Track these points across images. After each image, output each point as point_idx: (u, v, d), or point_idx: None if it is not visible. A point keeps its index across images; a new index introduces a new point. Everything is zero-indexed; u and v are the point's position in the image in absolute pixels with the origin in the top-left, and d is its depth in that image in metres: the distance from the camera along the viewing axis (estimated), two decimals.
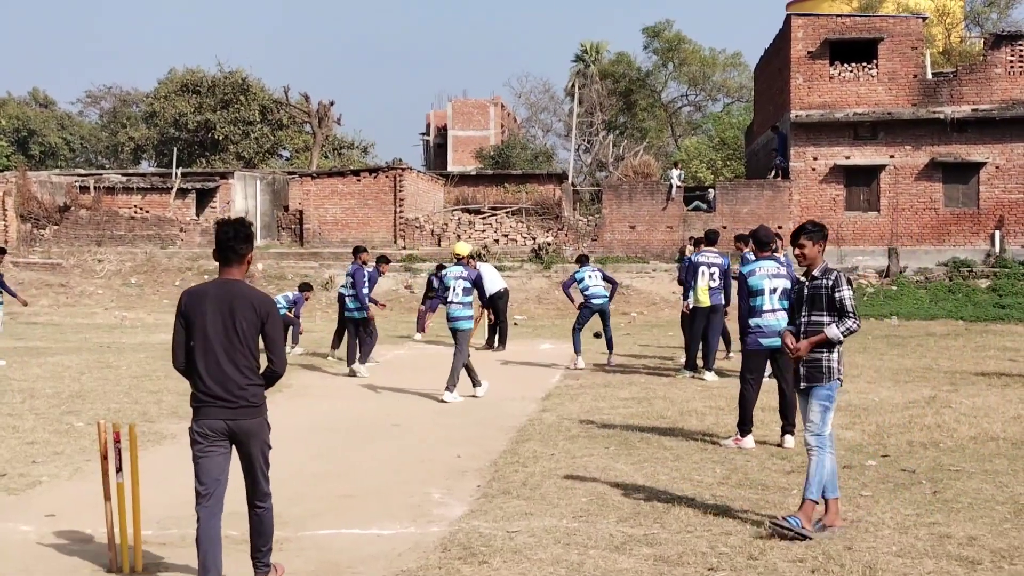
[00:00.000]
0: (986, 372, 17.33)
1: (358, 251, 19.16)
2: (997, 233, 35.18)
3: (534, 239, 37.93)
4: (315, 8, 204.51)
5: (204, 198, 41.20)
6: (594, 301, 18.78)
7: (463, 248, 16.18)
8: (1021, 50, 35.25)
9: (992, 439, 11.43)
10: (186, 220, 39.95)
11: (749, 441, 11.10)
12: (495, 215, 40.24)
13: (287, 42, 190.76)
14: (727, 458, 10.41)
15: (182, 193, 40.67)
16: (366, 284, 18.29)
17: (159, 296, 33.80)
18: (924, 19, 37.79)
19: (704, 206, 38.19)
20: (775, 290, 11.32)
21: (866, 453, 10.70)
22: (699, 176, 54.40)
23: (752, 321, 11.34)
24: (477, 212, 41.28)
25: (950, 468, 9.94)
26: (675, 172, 39.24)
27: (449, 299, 14.94)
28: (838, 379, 7.97)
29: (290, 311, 20.76)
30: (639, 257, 36.35)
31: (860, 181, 36.30)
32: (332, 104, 58.63)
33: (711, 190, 39.04)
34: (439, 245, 38.47)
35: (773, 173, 37.59)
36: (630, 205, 37.53)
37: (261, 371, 6.62)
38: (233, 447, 6.55)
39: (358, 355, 17.94)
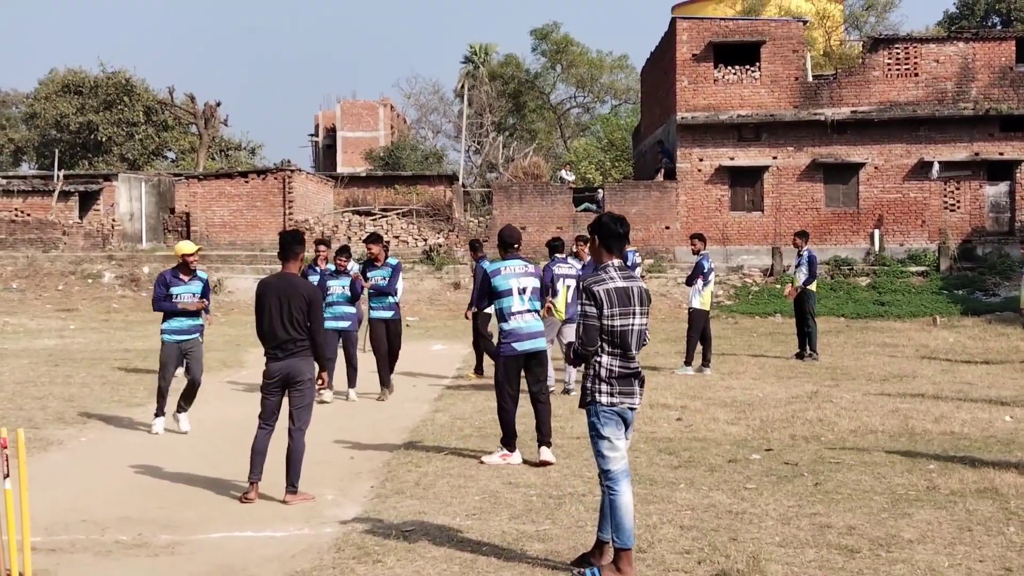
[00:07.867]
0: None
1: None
2: (876, 232, 36.10)
3: (425, 240, 37.93)
4: (200, 7, 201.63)
5: (87, 201, 40.43)
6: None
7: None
8: (898, 53, 36.21)
9: (871, 432, 11.80)
10: (69, 223, 39.12)
11: (516, 457, 10.33)
12: (386, 216, 40.22)
13: (171, 42, 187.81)
14: None
15: (64, 196, 39.84)
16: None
17: (42, 301, 33.05)
18: (805, 23, 38.63)
19: (593, 207, 38.55)
20: (524, 290, 10.48)
21: (750, 447, 10.97)
22: (588, 177, 54.90)
23: (503, 326, 10.48)
24: (368, 213, 41.21)
25: (831, 461, 10.25)
26: (563, 173, 39.59)
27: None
28: (596, 402, 6.83)
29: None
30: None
31: (744, 182, 36.96)
32: (219, 105, 58.08)
33: (600, 191, 39.44)
34: (328, 246, 38.22)
35: (660, 174, 38.11)
36: (520, 206, 37.71)
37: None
38: None
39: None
